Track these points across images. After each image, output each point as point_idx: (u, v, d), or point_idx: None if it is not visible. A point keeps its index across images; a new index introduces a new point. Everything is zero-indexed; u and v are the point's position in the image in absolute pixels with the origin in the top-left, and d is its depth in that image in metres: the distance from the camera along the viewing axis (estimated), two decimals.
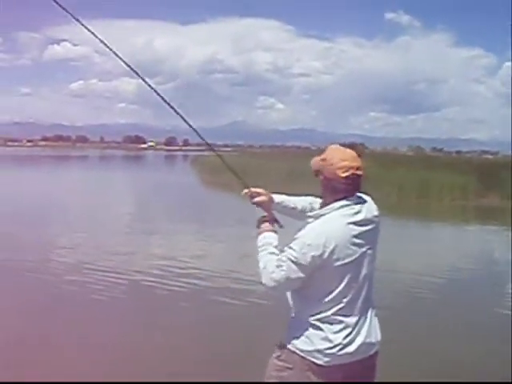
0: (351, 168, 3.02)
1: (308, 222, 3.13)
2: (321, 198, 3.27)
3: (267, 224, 3.38)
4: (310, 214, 3.24)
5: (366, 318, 3.10)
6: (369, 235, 3.09)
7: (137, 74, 3.83)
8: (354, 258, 3.00)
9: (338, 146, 3.20)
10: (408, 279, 10.42)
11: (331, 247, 2.93)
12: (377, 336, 3.17)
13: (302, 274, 2.98)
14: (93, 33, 3.64)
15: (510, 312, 8.20)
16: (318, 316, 3.00)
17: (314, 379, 2.99)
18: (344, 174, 3.00)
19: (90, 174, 50.49)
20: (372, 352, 3.13)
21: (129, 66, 3.74)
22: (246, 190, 3.60)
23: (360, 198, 3.13)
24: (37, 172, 51.94)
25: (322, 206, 3.18)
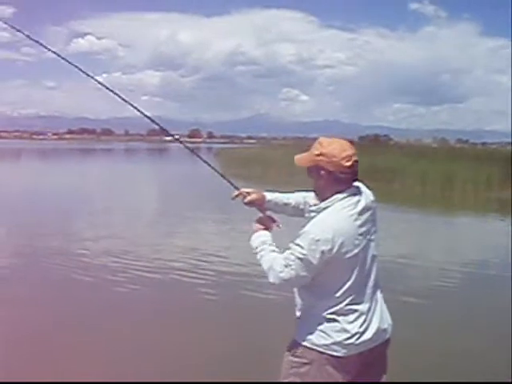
0: (353, 156, 3.04)
1: (311, 217, 3.11)
2: (314, 191, 3.24)
3: (257, 225, 3.41)
4: (312, 208, 3.19)
5: (376, 303, 3.12)
6: (370, 221, 3.09)
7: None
8: (361, 247, 3.00)
9: (326, 138, 3.16)
10: (431, 270, 10.41)
11: (340, 241, 2.91)
12: (388, 320, 3.20)
13: (311, 271, 2.97)
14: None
15: None
16: (333, 309, 2.99)
17: (334, 372, 2.99)
18: (348, 163, 3.00)
19: (115, 166, 50.72)
20: (387, 337, 3.16)
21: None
22: (236, 192, 3.63)
23: (357, 186, 3.13)
24: (62, 165, 52.32)
25: (322, 200, 3.12)
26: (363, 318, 3.02)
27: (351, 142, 3.20)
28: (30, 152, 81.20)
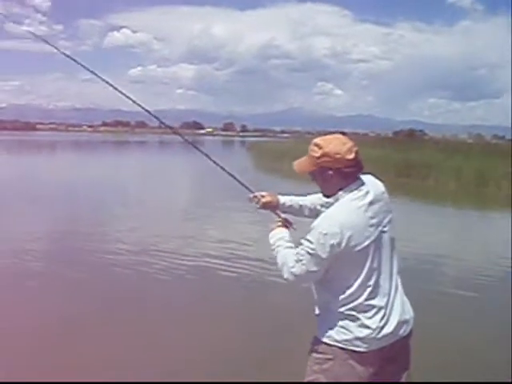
0: (353, 147, 3.01)
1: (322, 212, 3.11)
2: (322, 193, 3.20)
3: (278, 223, 3.41)
4: (320, 203, 3.24)
5: (396, 295, 3.07)
6: (382, 212, 3.04)
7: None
8: (372, 239, 2.95)
9: (322, 137, 3.09)
10: (466, 267, 10.33)
11: (348, 233, 2.87)
12: (410, 312, 3.15)
13: (322, 265, 2.95)
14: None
15: None
16: (351, 305, 2.96)
17: (356, 366, 2.98)
18: (352, 156, 2.97)
19: (148, 159, 51.13)
20: (408, 330, 3.11)
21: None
22: (251, 195, 3.64)
23: (364, 178, 3.08)
24: (96, 157, 52.91)
25: (330, 196, 3.09)
26: (383, 312, 2.99)
27: (343, 133, 3.18)
28: (65, 144, 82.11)
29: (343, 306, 2.97)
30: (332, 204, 3.04)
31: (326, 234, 2.88)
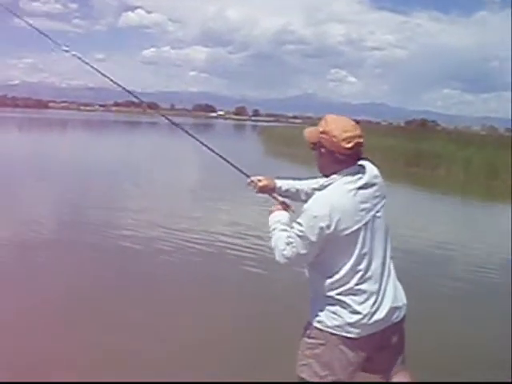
0: (355, 137, 2.95)
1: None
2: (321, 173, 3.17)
3: (277, 206, 3.43)
4: (315, 186, 3.18)
5: (388, 281, 3.06)
6: (375, 197, 3.01)
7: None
8: (363, 223, 2.94)
9: (334, 115, 3.09)
10: (474, 259, 10.33)
11: (338, 216, 2.86)
12: (402, 299, 3.14)
13: (312, 248, 2.95)
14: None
15: None
16: (340, 289, 2.95)
17: (347, 352, 2.99)
18: (348, 145, 2.93)
19: (160, 140, 51.04)
20: (401, 316, 3.11)
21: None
22: (248, 180, 3.66)
23: (359, 164, 3.04)
24: (108, 137, 52.94)
25: (324, 176, 3.09)
26: (374, 297, 2.98)
27: (357, 122, 3.08)
28: (76, 123, 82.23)
29: (333, 289, 2.97)
30: (324, 187, 3.02)
31: (315, 217, 2.88)
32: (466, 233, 13.27)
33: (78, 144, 38.94)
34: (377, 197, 3.03)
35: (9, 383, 4.55)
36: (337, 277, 2.95)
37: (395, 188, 18.47)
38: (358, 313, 2.94)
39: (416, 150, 28.00)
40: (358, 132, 2.97)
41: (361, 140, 2.97)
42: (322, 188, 3.04)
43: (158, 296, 6.99)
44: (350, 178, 2.95)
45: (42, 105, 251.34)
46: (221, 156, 3.91)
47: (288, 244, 3.03)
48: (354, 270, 2.95)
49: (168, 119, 4.59)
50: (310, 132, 3.14)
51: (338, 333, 2.97)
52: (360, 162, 3.04)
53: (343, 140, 2.92)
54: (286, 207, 3.45)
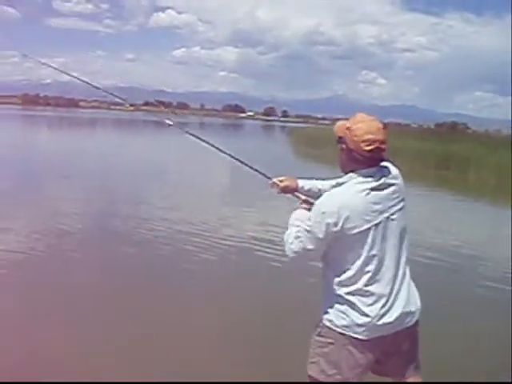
0: (376, 141, 2.90)
1: None
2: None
3: (301, 205, 3.42)
4: (333, 184, 3.15)
5: (402, 285, 3.02)
6: (390, 199, 2.97)
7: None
8: (373, 223, 2.90)
9: (364, 115, 3.04)
10: (498, 265, 10.26)
11: (346, 214, 2.85)
12: (416, 304, 3.10)
13: (319, 244, 2.96)
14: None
15: None
16: (349, 289, 2.94)
17: (355, 352, 2.98)
18: (368, 148, 2.89)
19: (189, 139, 51.11)
20: (413, 321, 3.08)
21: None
22: (270, 181, 3.69)
23: (381, 166, 3.01)
24: (137, 136, 53.30)
25: (343, 172, 3.07)
26: (383, 300, 2.94)
27: (385, 125, 3.01)
28: (107, 122, 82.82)
29: (342, 288, 2.97)
30: (340, 184, 3.00)
31: (323, 213, 2.90)
32: (495, 237, 13.18)
33: (107, 142, 39.25)
34: (393, 199, 2.99)
35: (10, 383, 4.51)
36: (345, 276, 2.95)
37: (423, 191, 18.42)
38: (366, 315, 2.92)
39: (446, 152, 27.78)
40: (380, 137, 2.92)
41: (382, 146, 2.92)
42: (337, 185, 3.03)
43: (188, 290, 7.11)
44: (365, 178, 2.92)
45: (73, 104, 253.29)
46: (238, 159, 4.01)
47: (296, 238, 3.04)
48: (362, 271, 2.93)
49: (170, 123, 4.62)
50: (339, 125, 3.10)
51: (346, 333, 2.97)
52: (381, 164, 3.01)
53: (363, 141, 2.89)
54: (309, 205, 3.39)
